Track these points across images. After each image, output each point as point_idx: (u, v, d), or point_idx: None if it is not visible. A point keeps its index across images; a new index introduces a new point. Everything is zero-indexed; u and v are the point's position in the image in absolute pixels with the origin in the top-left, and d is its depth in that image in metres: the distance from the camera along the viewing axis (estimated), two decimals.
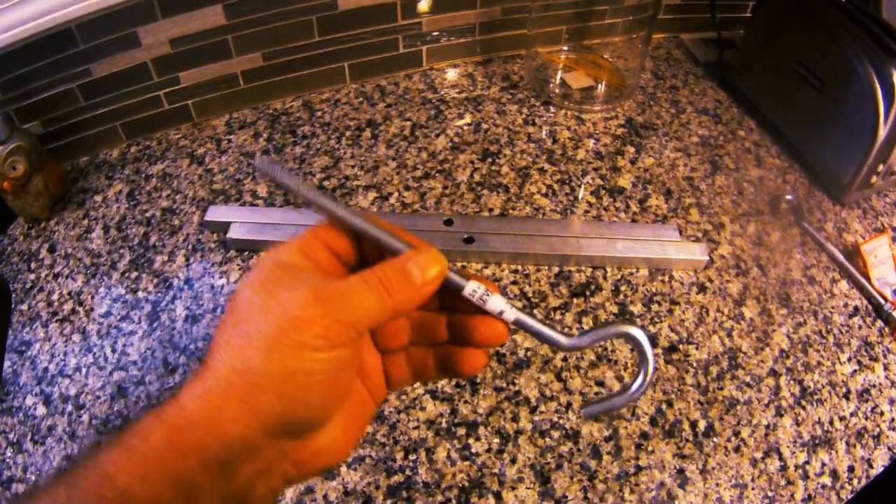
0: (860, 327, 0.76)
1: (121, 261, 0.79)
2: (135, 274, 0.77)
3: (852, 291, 0.79)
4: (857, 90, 0.81)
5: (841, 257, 0.81)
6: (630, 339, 0.37)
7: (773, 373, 0.70)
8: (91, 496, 0.26)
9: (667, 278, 0.77)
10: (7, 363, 0.70)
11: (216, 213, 0.82)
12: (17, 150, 0.77)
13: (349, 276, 0.31)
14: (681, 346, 0.71)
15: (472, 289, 0.34)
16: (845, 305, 0.78)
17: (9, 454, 0.63)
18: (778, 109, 0.96)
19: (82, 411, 0.65)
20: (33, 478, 0.61)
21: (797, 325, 0.75)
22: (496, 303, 0.34)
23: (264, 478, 0.30)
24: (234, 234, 0.78)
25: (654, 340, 0.71)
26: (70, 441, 0.63)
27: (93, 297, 0.75)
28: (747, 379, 0.70)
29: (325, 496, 0.59)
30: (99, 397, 0.66)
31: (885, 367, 0.73)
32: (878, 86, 0.80)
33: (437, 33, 0.99)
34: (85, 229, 0.83)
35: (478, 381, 0.67)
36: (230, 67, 0.93)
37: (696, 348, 0.71)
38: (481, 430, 0.64)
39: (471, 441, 0.63)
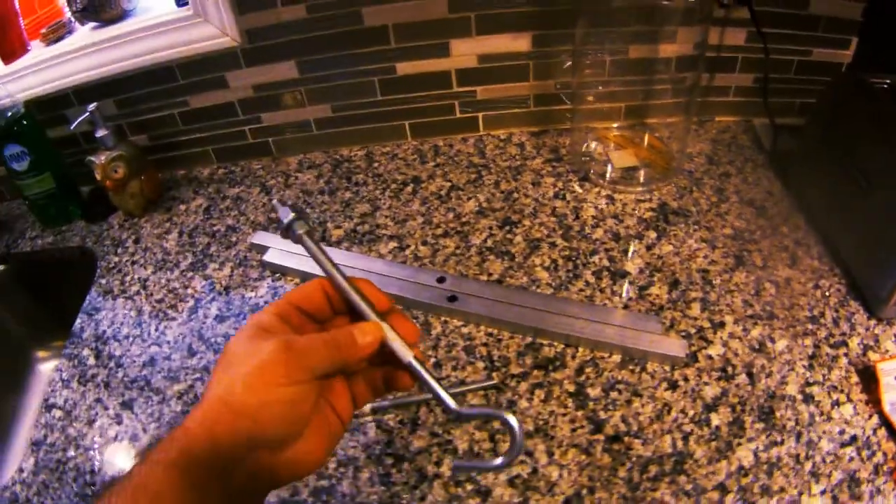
0: (851, 459, 0.69)
1: (184, 261, 0.97)
2: (190, 274, 0.95)
3: (856, 418, 0.72)
4: None
5: None
6: (506, 423, 0.45)
7: (722, 488, 0.67)
8: (130, 501, 0.36)
9: (638, 369, 0.77)
10: (78, 320, 0.91)
11: (261, 238, 0.97)
12: (119, 158, 0.99)
13: (312, 334, 0.43)
14: (625, 438, 0.71)
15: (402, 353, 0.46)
16: (841, 432, 0.71)
17: (58, 388, 0.82)
18: (827, 207, 0.89)
19: (119, 369, 0.83)
20: (71, 410, 0.80)
21: (771, 443, 0.70)
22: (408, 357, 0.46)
23: (255, 481, 0.41)
24: (269, 257, 0.93)
25: (599, 426, 0.72)
26: (105, 389, 0.81)
27: (155, 286, 0.94)
28: (688, 487, 0.67)
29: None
30: (135, 361, 0.84)
31: None
32: None
33: (491, 102, 1.06)
34: (165, 230, 1.03)
35: (420, 422, 0.73)
36: (304, 114, 1.09)
37: (643, 443, 0.70)
38: (405, 465, 0.70)
39: (393, 471, 0.69)
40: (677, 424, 0.72)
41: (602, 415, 0.73)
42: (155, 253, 0.99)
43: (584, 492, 0.67)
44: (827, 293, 0.84)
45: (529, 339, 0.80)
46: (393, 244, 0.94)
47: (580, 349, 0.79)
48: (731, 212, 0.94)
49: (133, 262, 0.98)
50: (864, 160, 0.81)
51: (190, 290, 0.92)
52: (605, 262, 0.88)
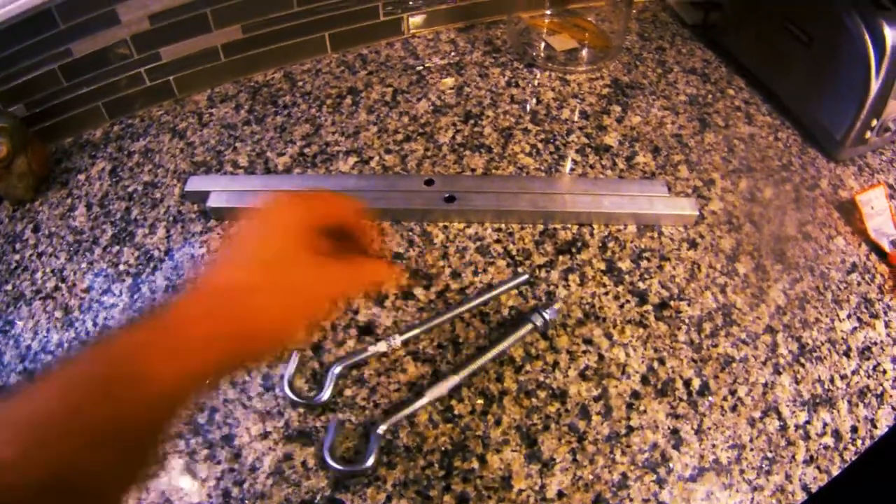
0: (859, 284, 0.73)
1: (103, 236, 0.76)
2: (116, 248, 0.75)
3: (849, 248, 0.76)
4: (847, 44, 0.78)
5: None
6: None
7: (770, 329, 0.67)
8: None
9: (656, 234, 0.74)
10: None
11: (196, 184, 0.79)
12: (0, 132, 0.74)
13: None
14: (672, 303, 0.68)
15: None
16: (843, 261, 0.75)
17: None
18: (767, 68, 0.93)
19: None
20: None
21: (793, 281, 0.72)
22: None
23: None
24: (213, 202, 0.76)
25: (644, 297, 0.68)
26: None
27: (75, 274, 0.73)
28: (743, 336, 0.66)
29: (303, 462, 0.56)
30: None
31: (886, 325, 0.70)
32: (868, 39, 0.77)
33: (417, 1, 0.96)
34: (68, 208, 0.80)
35: (460, 340, 0.64)
36: (210, 41, 0.90)
37: (689, 304, 0.68)
38: (464, 392, 0.61)
39: (453, 403, 0.60)
40: (711, 279, 0.71)
41: (641, 285, 0.69)
42: (63, 236, 0.76)
43: (656, 364, 0.63)
44: (787, 144, 0.87)
45: (541, 227, 0.74)
46: (353, 159, 0.82)
47: (595, 226, 0.74)
48: (679, 80, 0.94)
49: (40, 255, 0.75)
50: (804, 19, 0.84)
51: (122, 267, 0.72)
52: (584, 140, 0.84)
